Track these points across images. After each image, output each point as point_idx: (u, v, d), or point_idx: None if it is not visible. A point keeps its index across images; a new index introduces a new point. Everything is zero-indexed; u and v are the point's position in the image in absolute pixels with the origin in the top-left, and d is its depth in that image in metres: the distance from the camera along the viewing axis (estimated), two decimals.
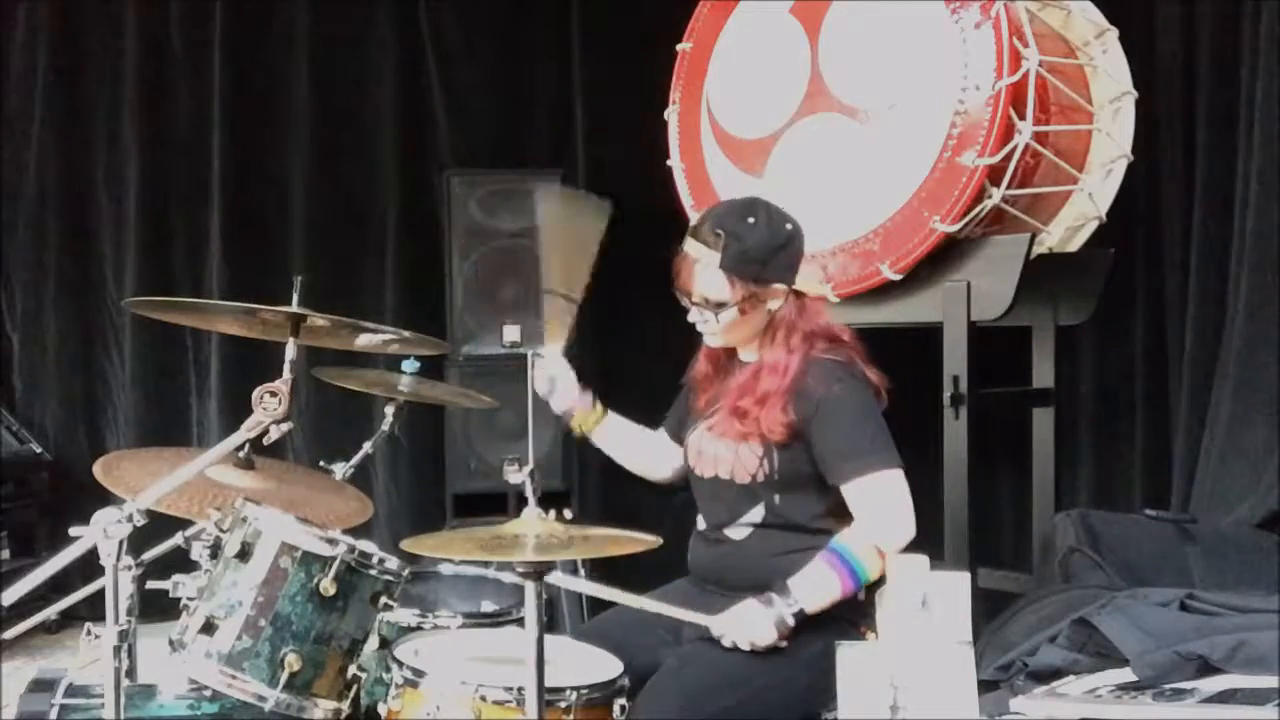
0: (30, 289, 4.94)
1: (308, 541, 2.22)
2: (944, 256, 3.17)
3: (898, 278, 3.20)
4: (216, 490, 2.37)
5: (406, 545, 1.96)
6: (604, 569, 2.68)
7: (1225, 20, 3.61)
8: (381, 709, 2.23)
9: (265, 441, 2.10)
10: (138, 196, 4.89)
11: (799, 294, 2.44)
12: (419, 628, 2.54)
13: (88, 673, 2.37)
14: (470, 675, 2.12)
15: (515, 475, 2.08)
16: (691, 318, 2.47)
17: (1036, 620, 2.68)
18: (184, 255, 4.95)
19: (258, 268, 4.82)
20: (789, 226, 2.42)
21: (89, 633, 2.08)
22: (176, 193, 4.94)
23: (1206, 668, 2.13)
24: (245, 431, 2.07)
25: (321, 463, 2.98)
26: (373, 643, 2.34)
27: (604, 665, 2.24)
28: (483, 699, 2.08)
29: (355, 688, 2.26)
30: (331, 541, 2.23)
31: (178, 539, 2.48)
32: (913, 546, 2.27)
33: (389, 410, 3.04)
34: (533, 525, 1.96)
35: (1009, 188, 3.10)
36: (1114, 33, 3.49)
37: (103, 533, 1.88)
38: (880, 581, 2.23)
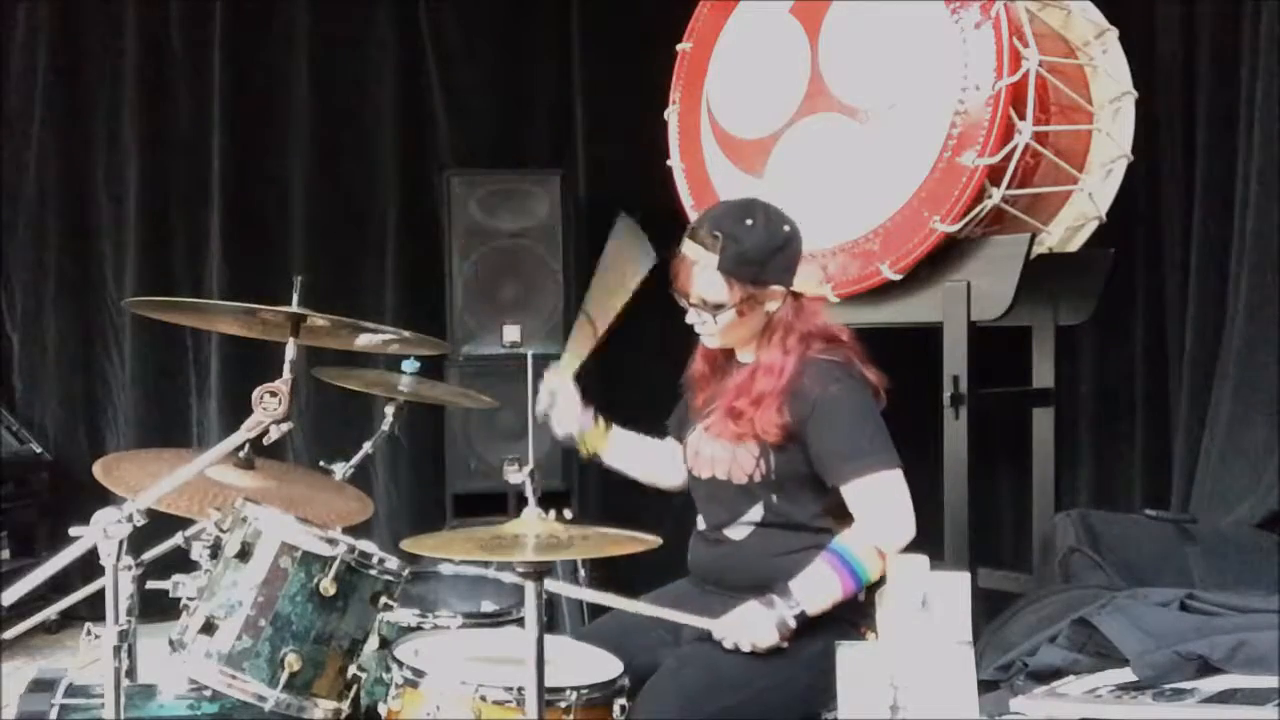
0: (30, 289, 4.94)
1: (308, 541, 2.22)
2: (944, 256, 3.17)
3: (898, 278, 3.20)
4: (216, 490, 2.38)
5: (406, 545, 1.96)
6: (604, 569, 2.68)
7: (1225, 20, 3.61)
8: (381, 709, 2.23)
9: (265, 441, 2.10)
10: (138, 196, 4.89)
11: (797, 295, 2.44)
12: (419, 628, 2.54)
13: (88, 673, 2.37)
14: (470, 675, 2.12)
15: (515, 475, 2.08)
16: (689, 319, 2.47)
17: (1036, 620, 2.68)
18: (184, 255, 4.95)
19: (258, 268, 4.82)
20: (787, 228, 2.41)
21: (89, 633, 2.08)
22: (176, 193, 4.94)
23: (1206, 668, 2.13)
24: (245, 431, 2.07)
25: (321, 463, 2.99)
26: (373, 643, 2.34)
27: (604, 665, 2.24)
28: (483, 699, 2.08)
29: (355, 688, 2.26)
30: (331, 541, 2.23)
31: (178, 539, 2.48)
32: (913, 546, 2.27)
33: (389, 410, 3.04)
34: (533, 525, 1.96)
35: (1009, 188, 3.10)
36: (1114, 33, 3.49)
37: (103, 533, 1.88)
38: (880, 581, 2.23)
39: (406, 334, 2.49)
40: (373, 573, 2.26)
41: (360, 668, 2.26)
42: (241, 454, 2.35)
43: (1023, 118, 3.03)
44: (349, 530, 2.43)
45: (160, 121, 4.91)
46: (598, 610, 2.70)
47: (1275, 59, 3.37)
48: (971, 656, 1.85)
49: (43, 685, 2.41)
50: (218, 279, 4.87)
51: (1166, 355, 3.86)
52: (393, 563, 2.30)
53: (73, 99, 4.91)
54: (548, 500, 2.04)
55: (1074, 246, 3.51)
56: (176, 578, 2.36)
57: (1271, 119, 3.36)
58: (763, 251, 2.36)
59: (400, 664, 2.20)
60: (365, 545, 2.30)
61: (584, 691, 2.13)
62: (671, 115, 3.77)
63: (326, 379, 3.06)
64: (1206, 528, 3.13)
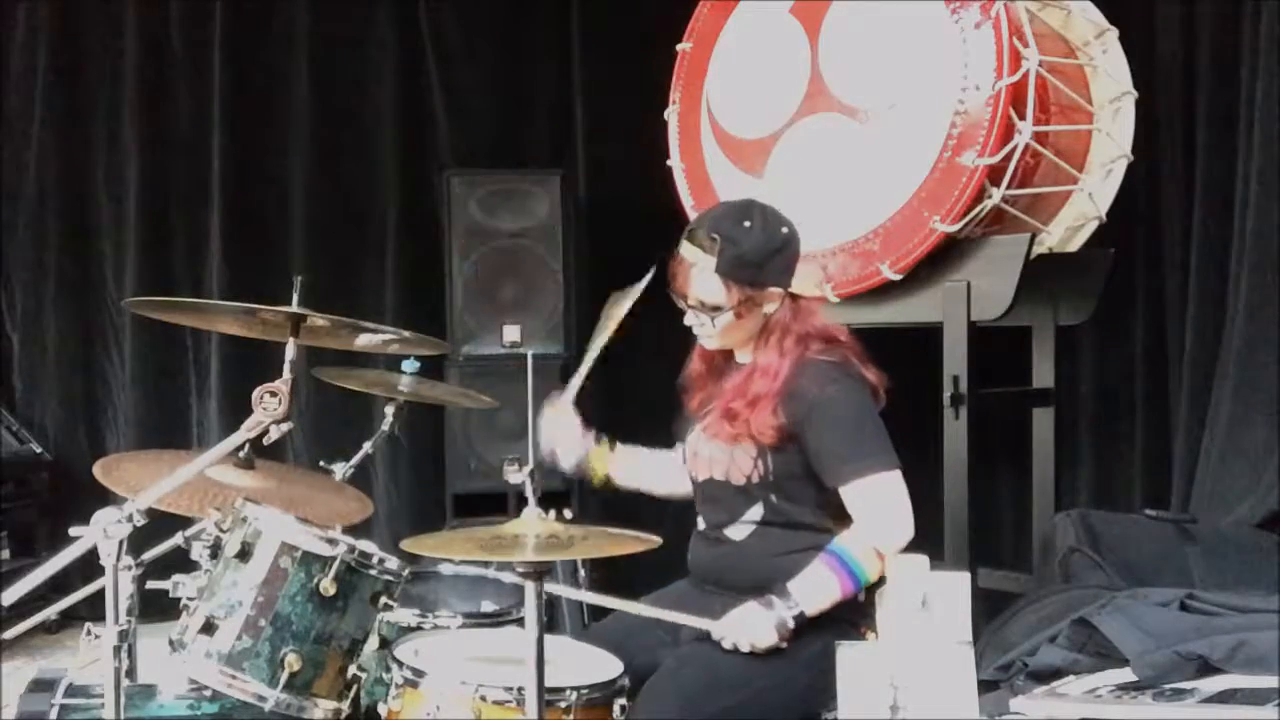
0: (30, 289, 4.94)
1: (308, 541, 2.22)
2: (944, 256, 3.17)
3: (898, 278, 3.20)
4: (216, 490, 2.38)
5: (406, 545, 1.96)
6: (604, 569, 2.68)
7: (1225, 20, 3.61)
8: (381, 709, 2.23)
9: (265, 441, 2.10)
10: (138, 196, 4.89)
11: (795, 296, 2.44)
12: (419, 628, 2.54)
13: (88, 673, 2.37)
14: (470, 675, 2.12)
15: (515, 475, 2.08)
16: (688, 321, 2.47)
17: (1036, 620, 2.68)
18: (184, 255, 4.95)
19: (258, 268, 4.82)
20: (785, 230, 2.41)
21: (89, 633, 2.08)
22: (176, 193, 4.94)
23: (1206, 668, 2.13)
24: (245, 431, 2.07)
25: (321, 463, 2.99)
26: (373, 643, 2.34)
27: (604, 665, 2.24)
28: (483, 699, 2.08)
29: (355, 688, 2.26)
30: (331, 541, 2.23)
31: (178, 539, 2.48)
32: (913, 546, 2.27)
33: (389, 410, 3.04)
34: (533, 525, 1.96)
35: (1009, 188, 3.10)
36: (1114, 33, 3.49)
37: (103, 533, 1.88)
38: (880, 581, 2.23)
39: (406, 334, 2.49)
40: (373, 573, 2.26)
41: (360, 668, 2.26)
42: (241, 454, 2.35)
43: (1023, 118, 3.03)
44: (349, 530, 2.43)
45: (160, 121, 4.91)
46: (598, 610, 2.71)
47: (1275, 59, 3.37)
48: (971, 656, 1.85)
49: (43, 685, 2.41)
50: (218, 279, 4.87)
51: (1166, 355, 3.86)
52: (393, 563, 2.30)
53: (73, 99, 4.91)
54: (548, 500, 2.04)
55: (1074, 246, 3.51)
56: (176, 578, 2.36)
57: (1271, 119, 3.36)
58: (760, 254, 2.36)
59: (400, 664, 2.20)
60: (365, 545, 2.30)
61: (584, 691, 2.13)
62: (671, 115, 3.77)
63: (326, 379, 3.06)
64: (1206, 528, 3.13)
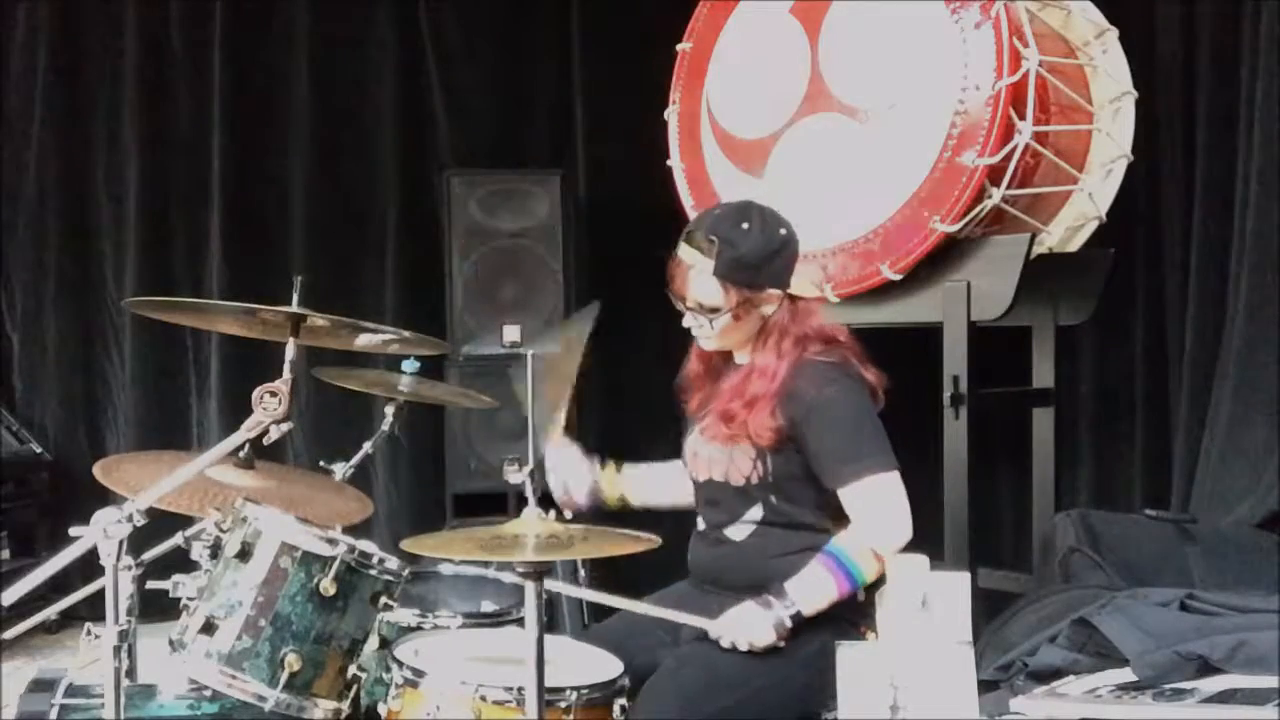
0: (30, 289, 4.94)
1: (308, 541, 2.22)
2: (944, 256, 3.17)
3: (898, 278, 3.20)
4: (216, 490, 2.37)
5: (406, 545, 1.96)
6: (604, 569, 2.68)
7: (1225, 20, 3.61)
8: (381, 709, 2.23)
9: (265, 441, 2.10)
10: (138, 196, 4.89)
11: (793, 298, 2.43)
12: (419, 628, 2.54)
13: (88, 673, 2.37)
14: (470, 675, 2.12)
15: (515, 475, 2.09)
16: (686, 322, 2.47)
17: (1036, 620, 2.68)
18: (184, 255, 4.95)
19: (258, 268, 4.82)
20: (783, 231, 2.40)
21: (89, 633, 2.08)
22: (176, 193, 4.94)
23: (1206, 668, 2.13)
24: (245, 431, 2.07)
25: (321, 463, 2.99)
26: (373, 643, 2.34)
27: (604, 665, 2.24)
28: (483, 699, 2.08)
29: (355, 688, 2.26)
30: (331, 541, 2.23)
31: (178, 539, 2.48)
32: (913, 547, 2.27)
33: (389, 410, 3.04)
34: (533, 525, 1.96)
35: (1009, 188, 3.10)
36: (1114, 33, 3.49)
37: (103, 533, 1.87)
38: (880, 581, 2.23)
39: (406, 334, 2.49)
40: (373, 573, 2.26)
41: (360, 668, 2.26)
42: (241, 454, 2.35)
43: (1023, 118, 3.03)
44: (349, 530, 2.43)
45: (160, 121, 4.91)
46: (598, 610, 2.70)
47: (1275, 59, 3.37)
48: (971, 656, 1.85)
49: (43, 685, 2.41)
50: (218, 279, 4.87)
51: (1166, 355, 3.86)
52: (393, 563, 2.30)
53: (73, 99, 4.91)
54: (548, 500, 2.04)
55: (1074, 246, 3.51)
56: (176, 578, 2.36)
57: (1271, 119, 3.36)
58: (759, 256, 2.36)
59: (400, 664, 2.20)
60: (365, 545, 2.30)
61: (584, 691, 2.13)
62: (671, 115, 3.77)
63: (326, 379, 3.06)
64: (1206, 528, 3.13)
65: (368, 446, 3.05)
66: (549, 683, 1.92)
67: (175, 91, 4.92)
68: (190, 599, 2.29)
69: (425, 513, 4.82)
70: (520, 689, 2.01)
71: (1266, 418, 3.30)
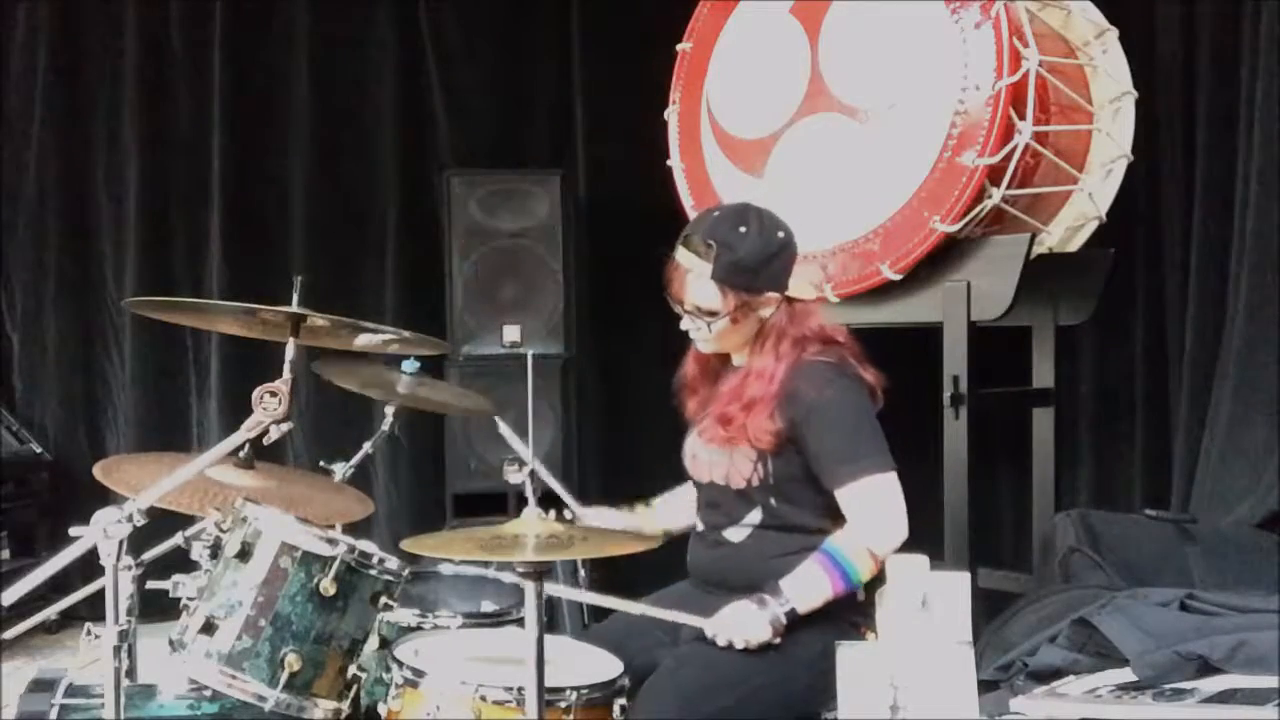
0: (30, 289, 4.94)
1: (308, 541, 2.22)
2: (944, 256, 3.17)
3: (898, 278, 3.20)
4: (216, 490, 2.37)
5: (406, 545, 1.96)
6: (604, 570, 2.68)
7: (1225, 20, 3.61)
8: (381, 709, 2.23)
9: (265, 441, 2.10)
10: (138, 196, 4.89)
11: (791, 300, 2.43)
12: (419, 628, 2.54)
13: (88, 673, 2.38)
14: (470, 675, 2.12)
15: (515, 475, 2.09)
16: (684, 325, 2.47)
17: (1036, 620, 2.68)
18: (184, 255, 4.95)
19: (258, 268, 4.82)
20: (781, 234, 2.40)
21: (89, 633, 2.08)
22: (176, 193, 4.94)
23: (1206, 668, 2.12)
24: (245, 431, 2.07)
25: (321, 463, 2.98)
26: (373, 643, 2.34)
27: (604, 665, 2.24)
28: (483, 699, 2.08)
29: (355, 688, 2.26)
30: (331, 541, 2.23)
31: (178, 539, 2.48)
32: (913, 546, 2.27)
33: (389, 410, 3.04)
34: (533, 525, 1.96)
35: (1009, 188, 3.10)
36: (1114, 33, 3.49)
37: (103, 533, 1.88)
38: (880, 581, 2.23)
39: (406, 334, 2.49)
40: (373, 573, 2.26)
41: (360, 668, 2.26)
42: (241, 454, 2.35)
43: (1023, 118, 3.03)
44: (349, 530, 2.43)
45: (160, 121, 4.91)
46: (598, 610, 2.70)
47: (1275, 59, 3.37)
48: (971, 656, 1.85)
49: (43, 685, 2.41)
50: (218, 279, 4.87)
51: (1166, 355, 3.86)
52: (393, 563, 2.30)
53: (73, 99, 4.91)
54: (548, 500, 2.04)
55: (1074, 246, 3.51)
56: (176, 578, 2.36)
57: (1271, 119, 3.36)
58: (757, 259, 2.35)
59: (400, 664, 2.20)
60: (365, 545, 2.30)
61: (584, 691, 2.13)
62: (671, 115, 3.77)
63: (327, 375, 3.06)
64: (1206, 528, 3.13)
65: (368, 446, 3.05)
66: (549, 683, 1.93)
67: (175, 91, 4.92)
68: (190, 599, 2.29)
69: (425, 513, 4.82)
70: (520, 689, 2.01)
71: (1266, 418, 3.30)
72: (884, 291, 3.25)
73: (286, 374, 2.12)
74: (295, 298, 2.27)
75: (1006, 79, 3.00)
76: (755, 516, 2.42)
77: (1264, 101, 3.39)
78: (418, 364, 2.96)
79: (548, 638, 1.90)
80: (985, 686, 2.20)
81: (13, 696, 2.44)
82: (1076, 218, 3.47)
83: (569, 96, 5.07)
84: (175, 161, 4.93)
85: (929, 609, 1.87)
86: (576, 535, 1.97)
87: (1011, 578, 3.60)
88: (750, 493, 2.41)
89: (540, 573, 1.87)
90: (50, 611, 2.84)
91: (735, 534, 2.45)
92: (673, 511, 2.67)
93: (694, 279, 2.38)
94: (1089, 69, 3.47)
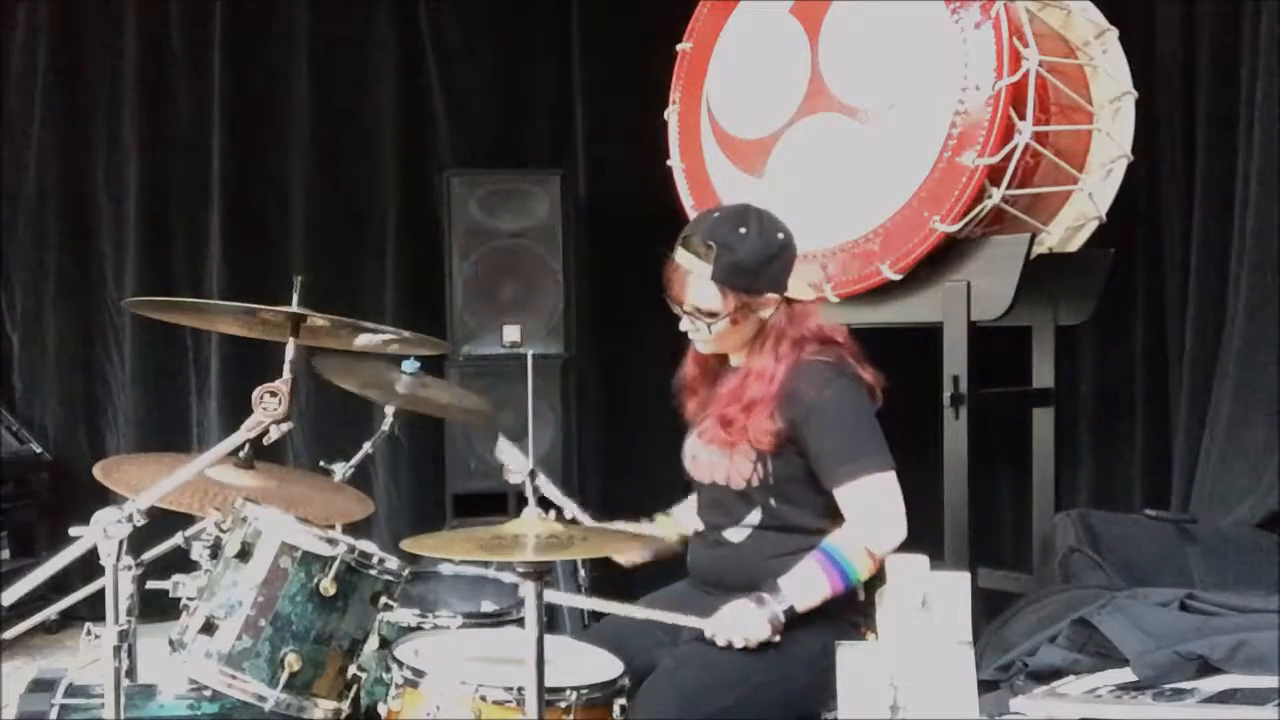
0: (30, 289, 4.94)
1: (308, 541, 2.22)
2: (944, 256, 3.17)
3: (898, 278, 3.20)
4: (216, 490, 2.37)
5: (406, 545, 1.96)
6: (604, 569, 2.68)
7: (1225, 20, 3.61)
8: (381, 709, 2.23)
9: (265, 441, 2.10)
10: (138, 196, 4.89)
11: (790, 301, 2.43)
12: (419, 628, 2.54)
13: (88, 673, 2.38)
14: (470, 675, 2.12)
15: (515, 475, 2.08)
16: (683, 326, 2.47)
17: (1036, 620, 2.68)
18: (184, 255, 4.95)
19: (258, 268, 4.82)
20: (780, 235, 2.40)
21: (89, 633, 2.08)
22: (176, 193, 4.95)
23: (1206, 668, 2.12)
24: (245, 431, 2.07)
25: (321, 463, 2.98)
26: (373, 643, 2.34)
27: (604, 665, 2.24)
28: (483, 699, 2.08)
29: (355, 688, 2.26)
30: (331, 541, 2.23)
31: (178, 539, 2.48)
32: (913, 546, 2.26)
33: (389, 410, 3.04)
34: (533, 525, 1.96)
35: (1009, 188, 3.10)
36: (1114, 33, 3.49)
37: (103, 533, 1.88)
38: (880, 581, 2.23)
39: (406, 334, 2.49)
40: (373, 573, 2.26)
41: (360, 668, 2.26)
42: (241, 454, 2.35)
43: (1023, 118, 3.03)
44: (349, 530, 2.43)
45: (160, 121, 4.91)
46: (598, 611, 2.71)
47: (1275, 59, 3.37)
48: (971, 656, 1.85)
49: (43, 685, 2.41)
50: (218, 279, 4.87)
51: (1166, 355, 3.86)
52: (393, 563, 2.30)
53: (73, 99, 4.91)
54: (547, 500, 2.04)
55: (1074, 246, 3.51)
56: (176, 578, 2.36)
57: (1271, 119, 3.36)
58: (757, 260, 2.35)
59: (400, 664, 2.20)
60: (365, 545, 2.30)
61: (584, 691, 2.13)
62: (671, 115, 3.77)
63: (327, 374, 3.05)
64: (1206, 528, 3.13)
65: (368, 446, 3.05)
66: (549, 683, 1.93)
67: (175, 91, 4.92)
68: (190, 599, 2.30)
69: (425, 513, 4.82)
70: (520, 689, 2.01)
71: (1266, 418, 3.30)
72: (884, 291, 3.25)
73: (286, 374, 2.12)
74: (295, 298, 2.27)
75: (1006, 79, 3.00)
76: (755, 517, 2.42)
77: (1264, 101, 3.39)
78: (418, 364, 2.96)
79: (548, 638, 1.90)
80: (985, 686, 2.21)
81: (13, 696, 2.44)
82: (1076, 218, 3.47)
83: (569, 96, 5.07)
84: (175, 161, 4.93)
85: (929, 609, 1.87)
86: (576, 535, 1.96)
87: (1011, 578, 3.60)
88: (750, 493, 2.41)
89: (540, 573, 1.87)
90: (50, 611, 2.83)
91: (735, 534, 2.45)
92: (690, 517, 2.66)
93: (694, 280, 2.38)
94: (1089, 69, 3.47)
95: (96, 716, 2.30)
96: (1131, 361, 3.98)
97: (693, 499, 2.66)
